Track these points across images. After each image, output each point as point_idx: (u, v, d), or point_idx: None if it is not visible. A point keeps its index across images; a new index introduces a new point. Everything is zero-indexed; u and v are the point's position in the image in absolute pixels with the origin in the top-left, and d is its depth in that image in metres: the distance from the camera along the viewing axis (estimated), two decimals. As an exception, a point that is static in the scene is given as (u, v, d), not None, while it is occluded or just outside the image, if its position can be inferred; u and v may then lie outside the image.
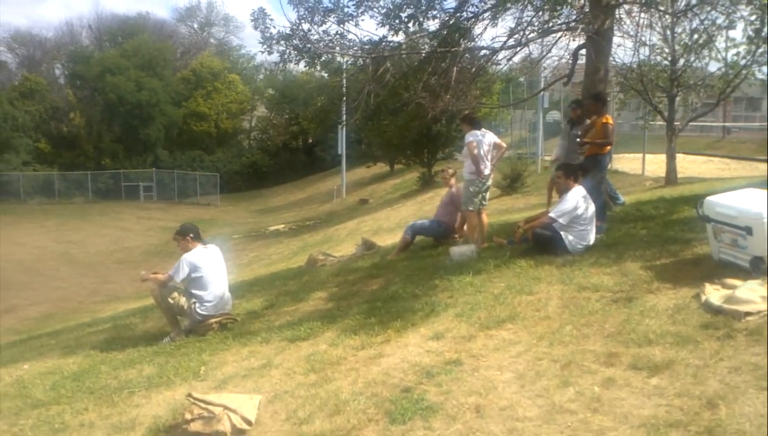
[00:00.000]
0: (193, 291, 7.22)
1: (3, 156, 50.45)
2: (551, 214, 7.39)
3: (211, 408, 4.30)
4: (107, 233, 34.78)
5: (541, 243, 7.44)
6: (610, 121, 8.72)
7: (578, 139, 9.03)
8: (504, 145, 9.52)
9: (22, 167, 51.39)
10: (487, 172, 8.98)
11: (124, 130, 54.90)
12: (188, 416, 4.34)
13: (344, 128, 33.88)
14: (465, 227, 9.79)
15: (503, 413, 3.86)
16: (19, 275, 23.31)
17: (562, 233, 7.27)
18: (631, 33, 13.52)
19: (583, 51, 9.87)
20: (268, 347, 6.08)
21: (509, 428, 3.69)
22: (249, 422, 4.29)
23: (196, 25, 75.15)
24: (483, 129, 9.16)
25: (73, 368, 6.74)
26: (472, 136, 8.87)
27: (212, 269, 7.31)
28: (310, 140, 61.70)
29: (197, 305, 7.19)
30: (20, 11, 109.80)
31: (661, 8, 12.57)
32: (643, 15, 12.58)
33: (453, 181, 10.17)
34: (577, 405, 3.79)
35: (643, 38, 14.52)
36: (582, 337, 4.80)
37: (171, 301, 7.24)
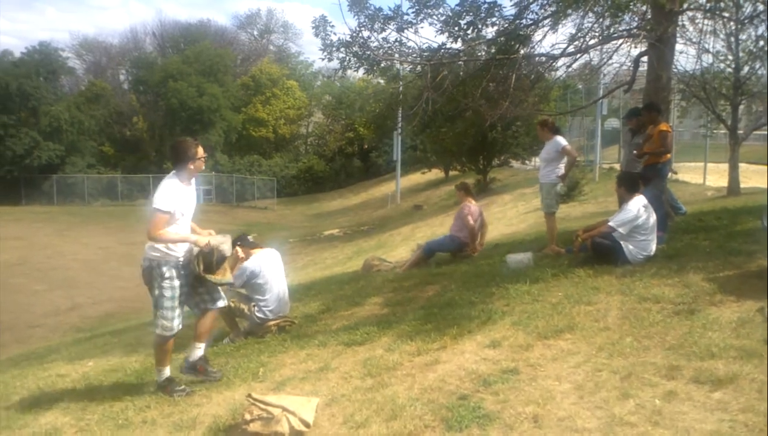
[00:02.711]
0: (254, 295, 7.34)
1: (69, 159, 52.23)
2: (611, 223, 7.28)
3: (270, 409, 4.36)
4: (167, 235, 35.45)
5: (600, 253, 7.33)
6: (667, 129, 8.57)
7: (635, 152, 8.91)
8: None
9: (87, 170, 53.17)
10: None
11: (185, 134, 55.25)
12: (248, 417, 4.40)
13: (400, 134, 33.97)
14: (478, 242, 10.34)
15: (561, 424, 3.83)
16: (84, 275, 24.04)
17: (622, 242, 7.16)
18: (694, 40, 13.29)
19: (645, 58, 9.72)
20: (326, 350, 6.14)
21: (567, 438, 3.67)
22: (307, 425, 4.34)
23: (255, 33, 76.54)
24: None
25: (136, 366, 6.91)
26: (564, 141, 9.07)
27: (272, 273, 7.42)
28: (366, 146, 62.05)
29: (257, 308, 7.31)
30: (88, 20, 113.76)
31: (726, 15, 12.28)
32: (706, 22, 12.35)
33: (462, 196, 10.39)
34: (638, 418, 3.74)
35: (707, 45, 14.24)
36: (642, 349, 4.73)
37: (232, 305, 7.37)
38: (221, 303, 5.86)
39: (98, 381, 6.53)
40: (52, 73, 53.94)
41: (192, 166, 5.55)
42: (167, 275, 5.43)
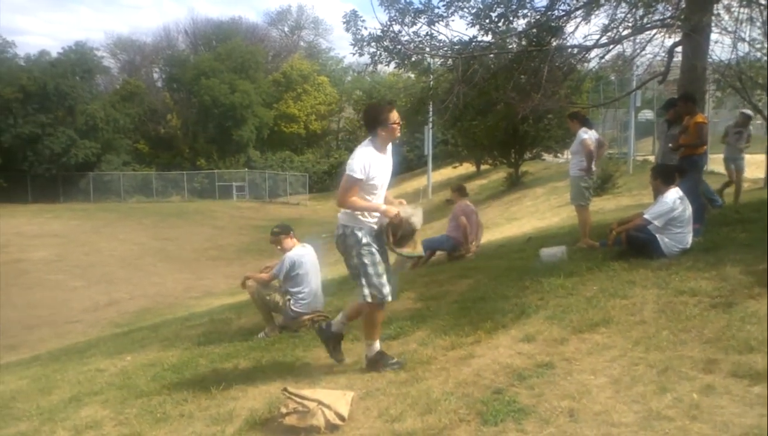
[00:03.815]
0: (290, 288, 7.40)
1: (105, 157, 52.97)
2: (646, 216, 7.21)
3: (305, 403, 4.39)
4: (202, 231, 35.87)
5: (635, 246, 7.26)
6: (704, 120, 8.44)
7: (670, 145, 8.78)
8: (606, 142, 9.62)
9: (122, 167, 53.91)
10: (594, 169, 9.17)
11: (218, 131, 56.63)
12: (284, 410, 4.43)
13: (431, 129, 33.90)
14: (474, 243, 10.53)
15: (598, 418, 3.80)
16: (120, 270, 24.38)
17: (657, 235, 7.08)
18: (730, 29, 13.02)
19: (679, 48, 9.59)
20: (360, 344, 6.14)
21: (604, 433, 3.64)
22: (342, 418, 4.36)
23: (286, 29, 76.84)
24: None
25: (173, 361, 7.00)
26: (585, 133, 8.99)
27: (309, 267, 7.48)
28: (397, 141, 61.96)
29: (292, 302, 7.37)
30: (122, 19, 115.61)
31: (763, 2, 12.01)
32: (742, 10, 12.09)
33: (457, 197, 10.50)
34: (675, 412, 3.71)
35: (742, 34, 13.94)
36: (679, 342, 4.68)
37: (267, 298, 7.45)
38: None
39: (136, 375, 6.63)
40: (87, 72, 54.55)
41: (384, 133, 5.21)
42: (364, 241, 5.11)
